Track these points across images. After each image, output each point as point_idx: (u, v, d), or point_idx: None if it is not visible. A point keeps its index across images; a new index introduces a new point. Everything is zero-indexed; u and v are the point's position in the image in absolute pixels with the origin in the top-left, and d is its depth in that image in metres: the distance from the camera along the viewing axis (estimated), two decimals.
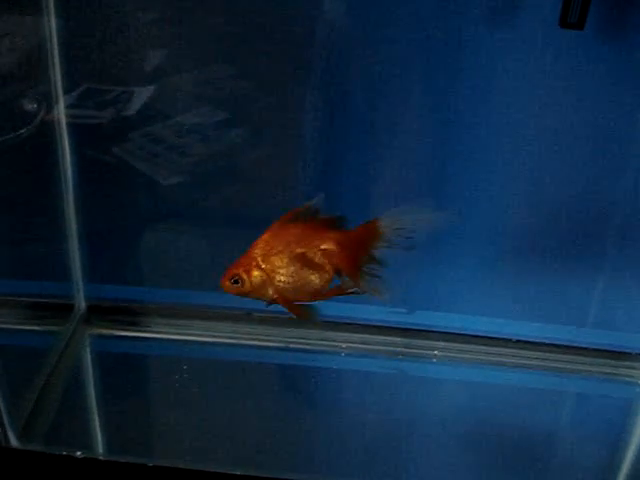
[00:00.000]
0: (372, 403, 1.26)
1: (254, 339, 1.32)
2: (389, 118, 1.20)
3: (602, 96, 1.14)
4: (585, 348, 1.33)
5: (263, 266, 0.85)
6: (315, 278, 0.86)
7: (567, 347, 1.33)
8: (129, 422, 1.20)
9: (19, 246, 1.19)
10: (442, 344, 1.32)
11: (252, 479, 1.05)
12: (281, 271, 0.85)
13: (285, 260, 0.85)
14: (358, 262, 0.85)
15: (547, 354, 1.32)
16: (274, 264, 0.85)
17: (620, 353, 1.32)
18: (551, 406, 1.30)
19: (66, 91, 1.17)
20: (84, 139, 1.22)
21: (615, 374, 1.32)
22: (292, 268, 0.85)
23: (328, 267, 0.86)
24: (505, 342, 1.33)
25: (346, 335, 1.33)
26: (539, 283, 1.29)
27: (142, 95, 1.19)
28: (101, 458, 1.07)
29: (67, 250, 1.28)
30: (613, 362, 1.32)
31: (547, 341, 1.33)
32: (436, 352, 1.32)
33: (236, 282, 0.86)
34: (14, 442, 1.08)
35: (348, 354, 1.32)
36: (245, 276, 0.85)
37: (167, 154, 1.23)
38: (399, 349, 1.32)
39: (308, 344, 1.32)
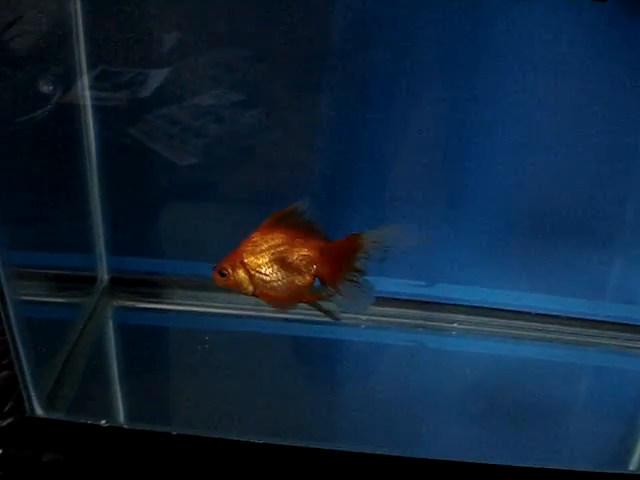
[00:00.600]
0: (392, 375, 1.27)
1: (275, 311, 1.32)
2: (405, 105, 1.21)
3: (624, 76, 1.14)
4: (604, 321, 1.33)
5: (246, 264, 0.91)
6: (294, 280, 0.91)
7: (586, 320, 1.34)
8: (151, 392, 1.21)
9: (45, 220, 1.20)
10: (462, 317, 1.33)
11: (272, 447, 1.07)
12: (262, 270, 0.91)
13: (267, 261, 0.90)
14: (337, 270, 0.88)
15: (566, 327, 1.33)
16: (256, 263, 0.90)
17: (638, 326, 1.33)
18: (569, 379, 1.31)
19: (89, 72, 1.18)
20: (107, 119, 1.23)
21: (633, 347, 1.32)
22: (272, 269, 0.90)
23: (307, 272, 0.90)
24: (524, 315, 1.33)
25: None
26: (558, 256, 1.30)
27: (158, 77, 1.20)
28: (125, 427, 1.08)
29: (91, 223, 1.29)
30: (631, 335, 1.33)
31: (566, 314, 1.33)
32: (455, 325, 1.33)
33: (222, 275, 0.92)
34: (39, 411, 1.09)
35: (368, 326, 1.33)
36: (230, 271, 0.92)
37: (183, 135, 1.25)
38: (419, 322, 1.33)
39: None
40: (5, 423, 1.39)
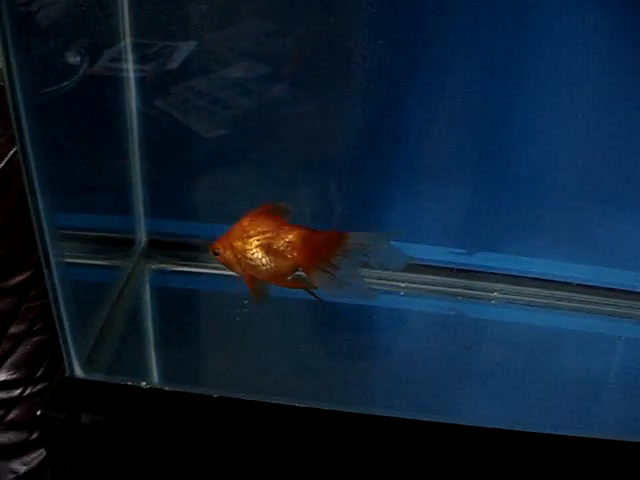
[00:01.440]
0: (429, 343, 1.27)
1: None
2: (441, 77, 1.20)
3: None
4: None
5: (235, 246, 0.97)
6: (277, 265, 0.96)
7: (626, 292, 1.32)
8: (188, 355, 1.22)
9: (85, 183, 1.20)
10: (501, 286, 1.32)
11: (312, 411, 1.07)
12: (248, 254, 0.96)
13: (254, 244, 0.96)
14: (315, 259, 0.91)
15: (606, 298, 1.31)
16: (244, 247, 0.96)
17: None
18: (609, 350, 1.30)
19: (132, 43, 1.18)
20: (149, 86, 1.24)
21: None
22: (258, 254, 0.96)
23: (290, 258, 0.94)
24: (564, 285, 1.32)
25: (405, 275, 1.33)
26: (600, 227, 1.28)
27: (186, 49, 1.20)
28: (166, 389, 1.08)
29: (130, 186, 1.29)
30: None
31: (606, 285, 1.32)
32: (495, 294, 1.32)
33: (215, 254, 1.00)
34: (79, 372, 1.09)
35: (406, 294, 1.32)
36: (222, 251, 0.99)
37: (211, 107, 1.25)
38: (458, 290, 1.32)
39: (367, 283, 1.32)
40: (37, 388, 1.41)
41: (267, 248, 0.95)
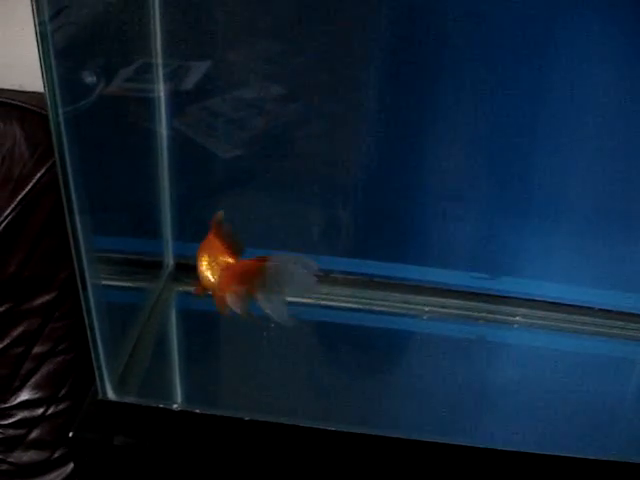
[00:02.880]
0: (451, 366, 1.27)
1: (336, 300, 1.34)
2: (458, 95, 1.21)
3: None
4: None
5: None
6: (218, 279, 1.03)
7: None
8: (215, 376, 1.24)
9: (115, 207, 1.21)
10: (523, 310, 1.33)
11: (336, 434, 1.08)
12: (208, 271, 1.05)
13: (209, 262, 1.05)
14: (229, 284, 1.01)
15: (628, 323, 1.33)
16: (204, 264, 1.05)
17: None
18: (630, 375, 1.31)
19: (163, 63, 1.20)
20: (179, 109, 1.25)
21: None
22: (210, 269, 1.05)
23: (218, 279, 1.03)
24: (586, 310, 1.33)
25: (428, 299, 1.34)
26: (620, 252, 1.30)
27: (212, 69, 1.21)
28: (197, 411, 1.09)
29: (159, 209, 1.30)
30: None
31: (627, 310, 1.33)
32: (517, 318, 1.33)
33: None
34: (111, 394, 1.11)
35: (430, 318, 1.34)
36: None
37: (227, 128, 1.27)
38: (480, 314, 1.34)
39: (390, 306, 1.34)
40: (60, 408, 1.42)
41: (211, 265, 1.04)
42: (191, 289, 1.33)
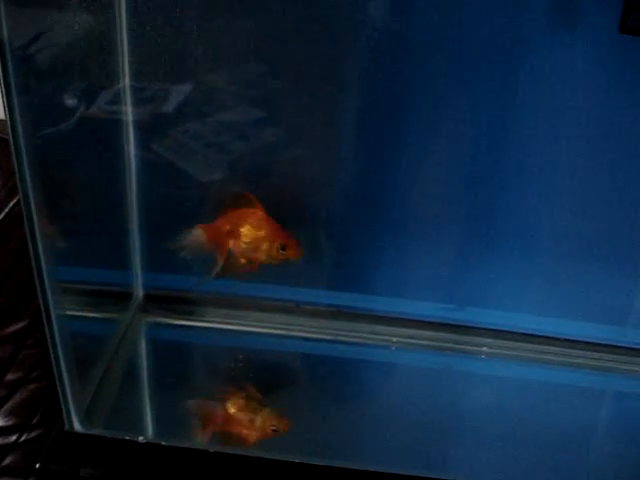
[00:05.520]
0: (420, 397, 1.28)
1: (305, 331, 1.35)
2: (433, 122, 1.22)
3: None
4: (630, 348, 1.34)
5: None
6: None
7: (612, 346, 1.34)
8: (183, 408, 1.22)
9: (83, 237, 1.22)
10: (491, 341, 1.34)
11: (302, 466, 1.08)
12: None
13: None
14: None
15: (593, 353, 1.34)
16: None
17: None
18: (596, 404, 1.32)
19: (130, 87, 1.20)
20: (147, 135, 1.25)
21: None
22: None
23: None
24: (553, 340, 1.34)
25: (396, 330, 1.35)
26: (586, 283, 1.31)
27: (187, 92, 1.21)
28: (163, 443, 1.09)
29: (127, 240, 1.31)
30: None
31: (593, 340, 1.34)
32: (485, 348, 1.34)
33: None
34: (77, 426, 1.11)
35: (398, 348, 1.34)
36: None
37: (206, 151, 1.27)
38: (448, 345, 1.34)
39: (358, 337, 1.35)
40: (33, 435, 1.41)
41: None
42: (160, 320, 1.35)
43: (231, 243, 1.19)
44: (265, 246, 1.16)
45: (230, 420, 1.19)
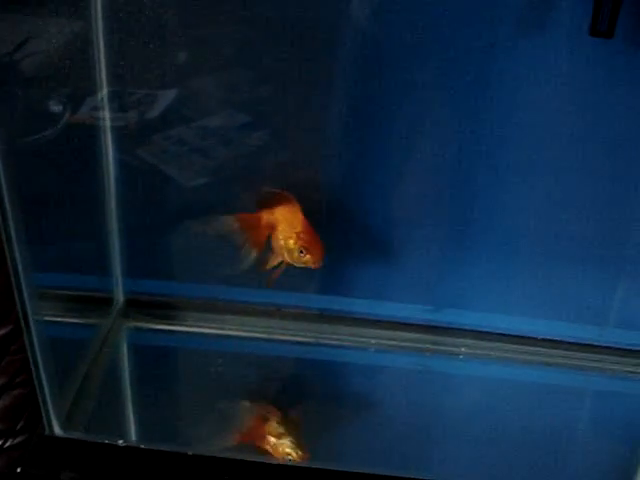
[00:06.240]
0: (399, 398, 1.29)
1: (286, 334, 1.36)
2: (413, 125, 1.23)
3: (630, 103, 1.17)
4: (607, 347, 1.35)
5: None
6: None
7: (590, 346, 1.35)
8: (164, 412, 1.23)
9: (63, 241, 1.23)
10: (469, 342, 1.35)
11: (280, 468, 1.10)
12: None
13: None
14: None
15: (570, 352, 1.35)
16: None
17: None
18: (574, 403, 1.33)
19: (109, 93, 1.21)
20: (126, 140, 1.25)
21: (634, 372, 1.35)
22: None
23: None
24: (530, 340, 1.35)
25: (375, 332, 1.36)
26: (564, 283, 1.32)
27: (166, 98, 1.22)
28: (142, 447, 1.10)
29: (107, 245, 1.31)
30: (633, 360, 1.35)
31: (571, 340, 1.35)
32: (463, 349, 1.35)
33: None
34: (58, 430, 1.12)
35: (377, 350, 1.35)
36: None
37: (191, 156, 1.28)
38: (426, 346, 1.36)
39: (338, 340, 1.36)
40: (17, 441, 1.42)
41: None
42: (141, 325, 1.36)
43: (268, 236, 1.20)
44: (291, 245, 1.16)
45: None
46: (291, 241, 1.16)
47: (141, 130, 1.26)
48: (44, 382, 1.07)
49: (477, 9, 1.11)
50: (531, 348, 1.35)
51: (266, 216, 1.20)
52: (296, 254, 1.16)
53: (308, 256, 1.15)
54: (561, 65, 1.14)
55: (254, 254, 1.21)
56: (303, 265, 1.17)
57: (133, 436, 1.17)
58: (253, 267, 1.23)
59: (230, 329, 1.36)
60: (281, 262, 1.20)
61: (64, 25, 1.11)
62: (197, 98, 1.24)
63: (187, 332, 1.36)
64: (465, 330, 1.36)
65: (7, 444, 1.40)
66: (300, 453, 1.13)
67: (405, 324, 1.36)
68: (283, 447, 1.14)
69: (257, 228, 1.21)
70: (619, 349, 1.36)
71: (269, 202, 1.20)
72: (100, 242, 1.31)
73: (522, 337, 1.36)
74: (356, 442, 1.21)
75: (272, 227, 1.19)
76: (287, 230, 1.17)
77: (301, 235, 1.15)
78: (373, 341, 1.36)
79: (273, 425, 1.19)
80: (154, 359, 1.35)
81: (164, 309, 1.37)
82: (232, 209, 1.24)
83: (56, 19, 1.11)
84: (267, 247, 1.22)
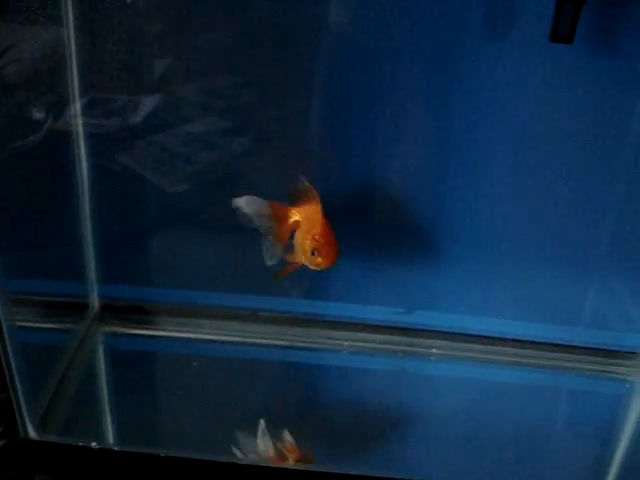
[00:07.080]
0: (373, 400, 1.30)
1: (260, 338, 1.38)
2: (391, 128, 1.24)
3: (595, 105, 1.19)
4: (578, 347, 1.38)
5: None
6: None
7: (561, 346, 1.38)
8: (140, 416, 1.24)
9: (37, 247, 1.24)
10: (441, 343, 1.37)
11: (257, 469, 1.11)
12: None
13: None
14: None
15: (542, 352, 1.37)
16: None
17: (610, 351, 1.37)
18: (545, 403, 1.34)
19: (81, 100, 1.22)
20: (99, 146, 1.27)
21: (606, 371, 1.37)
22: None
23: None
24: (501, 341, 1.37)
25: (348, 334, 1.38)
26: (535, 285, 1.34)
27: (148, 104, 1.24)
28: (116, 449, 1.11)
29: (82, 251, 1.33)
30: (604, 360, 1.37)
31: (542, 340, 1.37)
32: (434, 350, 1.37)
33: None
34: (32, 434, 1.13)
35: (350, 352, 1.37)
36: None
37: (173, 162, 1.28)
38: (399, 347, 1.37)
39: (312, 342, 1.38)
40: None
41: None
42: (116, 330, 1.37)
43: (292, 230, 1.19)
44: (307, 245, 1.14)
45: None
46: (307, 242, 1.14)
47: (115, 136, 1.27)
48: (18, 386, 1.08)
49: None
50: (502, 348, 1.37)
51: (294, 211, 1.19)
52: (309, 255, 1.14)
53: (319, 259, 1.14)
54: (522, 69, 1.17)
55: (278, 248, 1.19)
56: (314, 267, 1.15)
57: (108, 440, 1.18)
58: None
59: (204, 333, 1.38)
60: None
61: (34, 29, 1.12)
62: (173, 104, 1.25)
63: (162, 337, 1.37)
64: (437, 332, 1.38)
65: None
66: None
67: (378, 326, 1.38)
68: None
69: (284, 221, 1.19)
70: (590, 349, 1.38)
71: (299, 198, 1.19)
72: (75, 247, 1.32)
73: (493, 338, 1.37)
74: (329, 442, 1.22)
75: (297, 224, 1.18)
76: (306, 230, 1.16)
77: (316, 237, 1.13)
78: (346, 343, 1.38)
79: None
80: (129, 364, 1.36)
81: (139, 314, 1.39)
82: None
83: (29, 27, 1.12)
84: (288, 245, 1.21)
